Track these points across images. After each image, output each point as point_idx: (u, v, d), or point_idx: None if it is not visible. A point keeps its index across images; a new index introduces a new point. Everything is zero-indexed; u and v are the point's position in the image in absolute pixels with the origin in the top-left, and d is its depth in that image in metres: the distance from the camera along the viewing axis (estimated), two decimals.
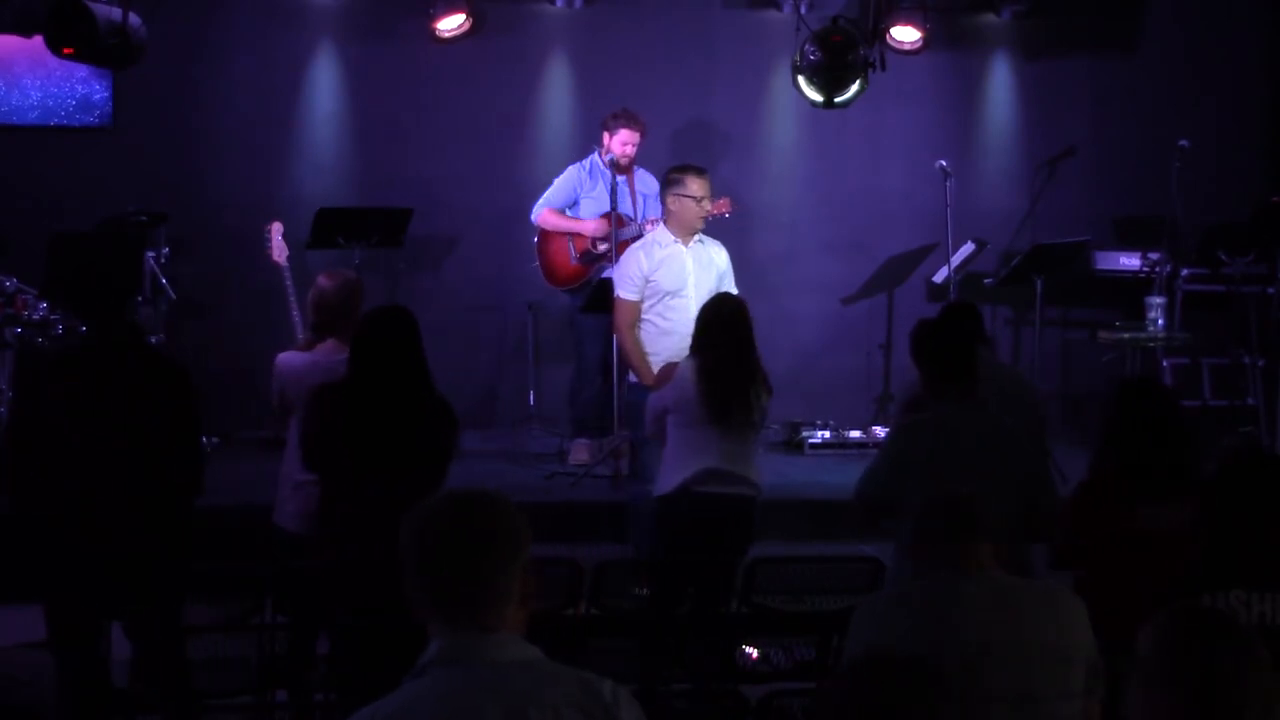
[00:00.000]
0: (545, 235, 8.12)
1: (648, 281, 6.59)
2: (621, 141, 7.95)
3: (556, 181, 8.15)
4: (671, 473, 5.50)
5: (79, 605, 4.62)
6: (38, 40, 7.57)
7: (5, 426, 5.29)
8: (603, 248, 7.85)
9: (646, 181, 8.00)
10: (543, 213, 8.08)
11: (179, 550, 4.68)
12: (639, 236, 7.29)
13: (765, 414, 5.69)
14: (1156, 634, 2.43)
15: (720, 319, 5.53)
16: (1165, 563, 4.06)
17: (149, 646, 4.71)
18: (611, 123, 8.01)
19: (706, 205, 6.68)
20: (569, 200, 8.11)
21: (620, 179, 7.93)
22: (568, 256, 8.03)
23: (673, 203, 6.67)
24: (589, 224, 7.95)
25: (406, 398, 4.59)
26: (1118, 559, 4.18)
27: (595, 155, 8.12)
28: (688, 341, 5.69)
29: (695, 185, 6.64)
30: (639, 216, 7.73)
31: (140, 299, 7.73)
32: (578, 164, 8.17)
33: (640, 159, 8.11)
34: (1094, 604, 3.70)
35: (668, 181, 6.75)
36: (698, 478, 5.42)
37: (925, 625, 3.21)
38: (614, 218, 7.60)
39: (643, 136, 8.00)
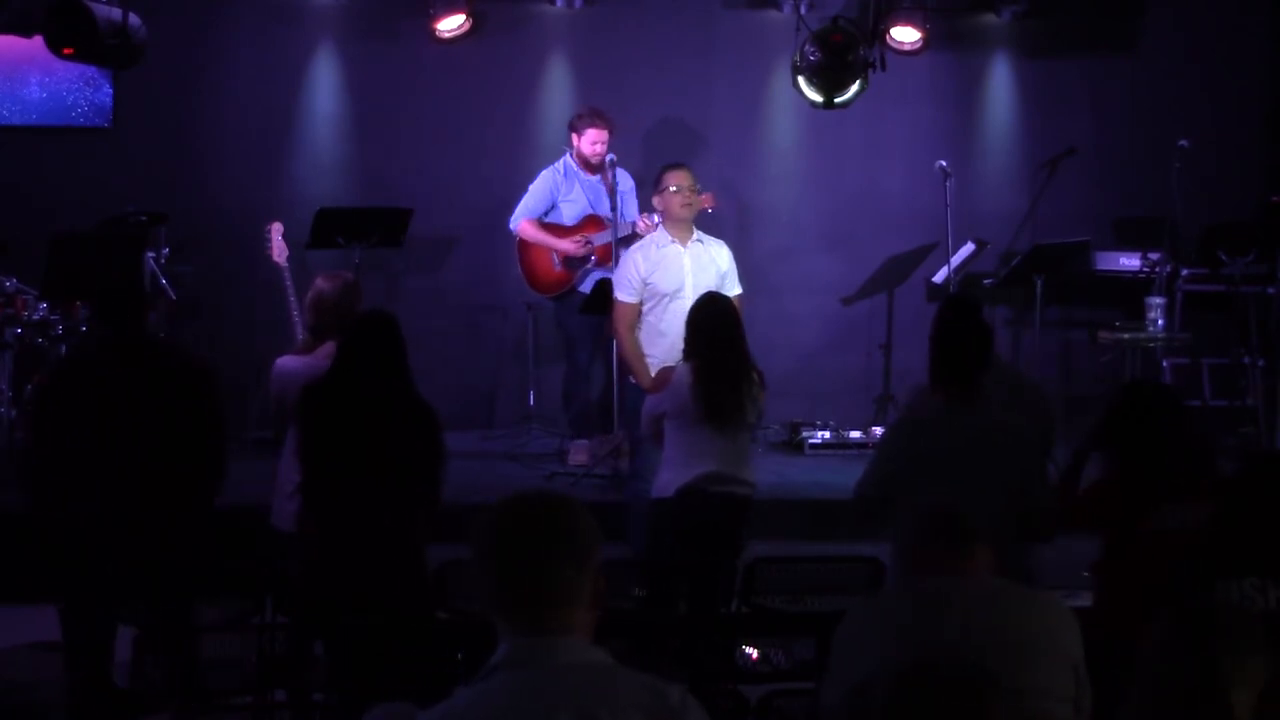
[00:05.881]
0: (525, 244, 8.05)
1: (645, 284, 6.58)
2: (590, 141, 7.87)
3: (532, 188, 8.05)
4: (669, 476, 5.51)
5: (95, 606, 4.64)
6: (38, 40, 7.56)
7: (25, 430, 5.31)
8: (583, 251, 7.85)
9: (624, 179, 7.94)
10: (521, 223, 7.99)
11: (194, 551, 4.70)
12: (632, 235, 7.29)
13: (761, 412, 5.71)
14: (1152, 638, 2.47)
15: (709, 320, 5.53)
16: (1180, 562, 4.07)
17: (161, 646, 4.72)
18: (578, 123, 7.94)
19: (687, 195, 6.65)
20: (547, 205, 8.02)
21: (595, 179, 7.90)
22: (550, 264, 7.97)
23: (659, 203, 6.73)
24: (564, 244, 7.87)
25: (383, 400, 4.60)
26: (1133, 559, 4.16)
27: (568, 157, 8.03)
28: (681, 342, 5.69)
29: (672, 178, 6.67)
30: (619, 215, 7.69)
31: None
32: (550, 168, 8.07)
33: (643, 160, 8.08)
34: (1110, 604, 3.70)
35: (655, 185, 6.77)
36: (695, 480, 5.44)
37: (917, 627, 3.20)
38: (614, 220, 7.56)
39: (611, 134, 7.89)
